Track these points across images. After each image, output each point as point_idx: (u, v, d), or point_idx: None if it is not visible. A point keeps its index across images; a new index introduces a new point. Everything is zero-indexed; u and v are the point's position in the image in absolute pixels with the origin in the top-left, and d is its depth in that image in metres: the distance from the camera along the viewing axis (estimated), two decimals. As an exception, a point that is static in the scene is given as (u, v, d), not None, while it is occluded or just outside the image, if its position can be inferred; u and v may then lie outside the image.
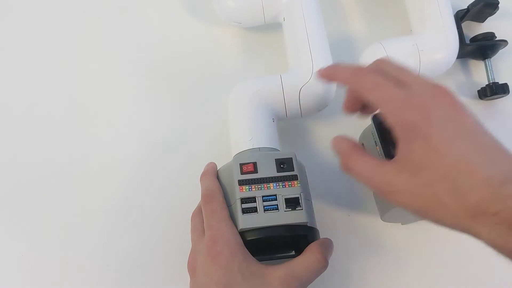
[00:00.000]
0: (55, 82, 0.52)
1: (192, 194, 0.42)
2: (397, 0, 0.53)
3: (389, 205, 0.41)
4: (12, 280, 0.45)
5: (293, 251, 0.37)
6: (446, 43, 0.46)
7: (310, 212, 0.38)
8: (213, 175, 0.40)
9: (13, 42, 0.54)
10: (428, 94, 0.30)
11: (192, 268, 0.36)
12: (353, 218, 0.46)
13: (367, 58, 0.46)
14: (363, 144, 0.43)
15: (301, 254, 0.36)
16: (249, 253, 0.35)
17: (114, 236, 0.46)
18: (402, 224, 0.45)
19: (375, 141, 0.40)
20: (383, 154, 0.39)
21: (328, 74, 0.36)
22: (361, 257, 0.45)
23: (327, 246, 0.37)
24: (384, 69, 0.33)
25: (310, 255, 0.35)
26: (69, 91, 0.52)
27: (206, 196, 0.38)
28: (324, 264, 0.35)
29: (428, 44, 0.45)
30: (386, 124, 0.31)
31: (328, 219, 0.45)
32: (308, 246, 0.36)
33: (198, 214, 0.39)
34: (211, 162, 0.42)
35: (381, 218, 0.44)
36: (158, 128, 0.50)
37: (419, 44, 0.45)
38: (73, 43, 0.54)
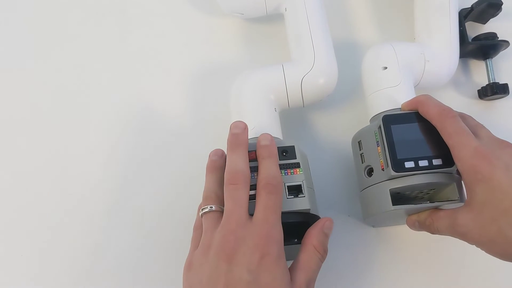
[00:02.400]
0: (55, 81, 0.52)
1: (191, 192, 0.42)
2: (405, 7, 0.52)
3: (372, 211, 0.40)
4: (11, 280, 0.45)
5: (295, 239, 0.37)
6: (450, 60, 0.46)
7: (312, 200, 0.38)
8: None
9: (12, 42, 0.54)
10: (495, 146, 0.35)
11: (231, 251, 0.32)
12: (353, 218, 0.46)
13: (372, 55, 0.44)
14: (359, 142, 0.41)
15: (303, 249, 0.35)
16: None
17: (111, 234, 0.46)
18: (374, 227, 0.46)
19: (377, 141, 0.39)
20: (386, 155, 0.37)
21: (415, 104, 0.39)
22: (361, 256, 0.45)
23: (326, 229, 0.36)
24: (466, 119, 0.38)
25: (311, 249, 0.35)
26: (68, 90, 0.52)
27: (273, 186, 0.34)
28: (324, 254, 0.35)
29: (434, 56, 0.45)
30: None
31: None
32: (306, 237, 0.35)
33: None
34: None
35: (364, 221, 0.44)
36: (157, 122, 0.50)
37: (427, 55, 0.44)
38: (73, 41, 0.54)
